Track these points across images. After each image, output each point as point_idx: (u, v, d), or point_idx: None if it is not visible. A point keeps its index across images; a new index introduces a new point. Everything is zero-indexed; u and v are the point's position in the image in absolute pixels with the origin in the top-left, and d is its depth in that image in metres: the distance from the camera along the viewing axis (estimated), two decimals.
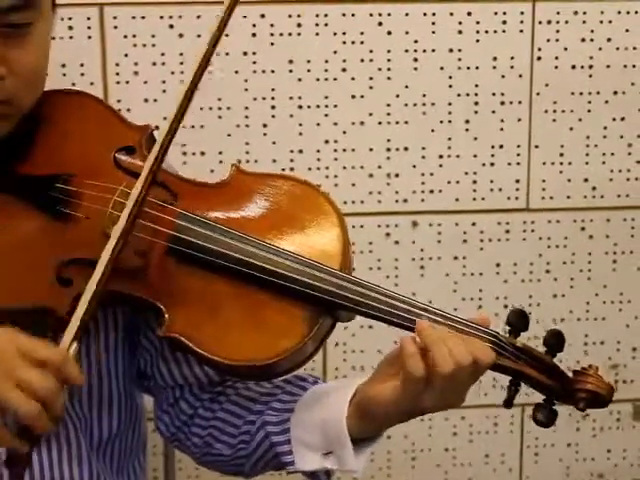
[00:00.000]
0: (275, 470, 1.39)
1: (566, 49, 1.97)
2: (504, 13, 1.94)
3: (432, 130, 1.98)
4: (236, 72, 1.91)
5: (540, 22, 1.96)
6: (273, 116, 1.94)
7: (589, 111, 2.01)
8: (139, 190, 1.22)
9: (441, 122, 1.98)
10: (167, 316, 1.26)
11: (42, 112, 1.35)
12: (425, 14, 1.92)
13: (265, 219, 1.32)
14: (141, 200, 1.22)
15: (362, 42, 1.93)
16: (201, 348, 1.26)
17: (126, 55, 1.88)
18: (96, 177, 1.31)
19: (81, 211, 1.29)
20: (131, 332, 1.40)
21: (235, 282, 1.27)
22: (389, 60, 1.93)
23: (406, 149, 1.98)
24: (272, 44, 1.91)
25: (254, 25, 1.90)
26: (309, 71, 1.93)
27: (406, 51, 1.94)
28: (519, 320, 1.29)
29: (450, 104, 1.97)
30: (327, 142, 1.97)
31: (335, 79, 1.94)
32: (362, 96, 1.95)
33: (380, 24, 1.92)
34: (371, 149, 1.98)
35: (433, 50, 1.94)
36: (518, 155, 2.01)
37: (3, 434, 1.12)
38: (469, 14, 1.93)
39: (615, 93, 2.01)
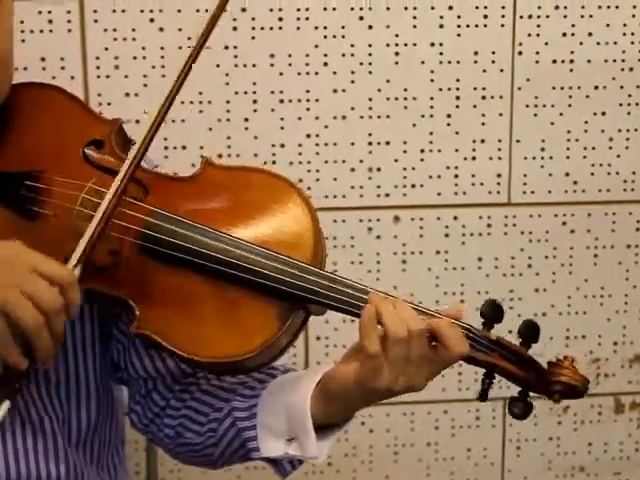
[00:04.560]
0: (242, 460, 1.39)
1: (547, 44, 1.98)
2: (485, 7, 1.94)
3: (414, 124, 1.98)
4: (217, 66, 1.90)
5: (521, 16, 1.96)
6: (254, 110, 1.94)
7: (570, 106, 2.01)
8: (116, 189, 1.22)
9: (422, 116, 1.98)
10: (138, 313, 1.26)
11: (7, 105, 1.33)
12: (406, 8, 1.92)
13: (235, 213, 1.31)
14: (116, 200, 1.22)
15: (343, 36, 1.92)
16: (172, 345, 1.26)
17: (106, 49, 1.88)
18: (64, 173, 1.30)
19: (49, 208, 1.28)
20: (105, 323, 1.40)
21: (207, 279, 1.27)
22: (370, 54, 1.93)
23: (388, 143, 1.98)
24: (253, 38, 1.90)
25: (235, 19, 1.89)
26: (290, 65, 1.92)
27: (387, 45, 1.94)
28: (493, 312, 1.28)
29: (432, 98, 1.97)
30: (309, 136, 1.96)
31: (317, 73, 1.93)
32: (344, 90, 1.95)
33: (361, 18, 1.92)
34: (353, 143, 1.97)
35: (414, 44, 1.94)
36: (499, 150, 2.01)
37: (8, 344, 1.14)
38: (450, 8, 1.93)
39: (596, 88, 2.01)
